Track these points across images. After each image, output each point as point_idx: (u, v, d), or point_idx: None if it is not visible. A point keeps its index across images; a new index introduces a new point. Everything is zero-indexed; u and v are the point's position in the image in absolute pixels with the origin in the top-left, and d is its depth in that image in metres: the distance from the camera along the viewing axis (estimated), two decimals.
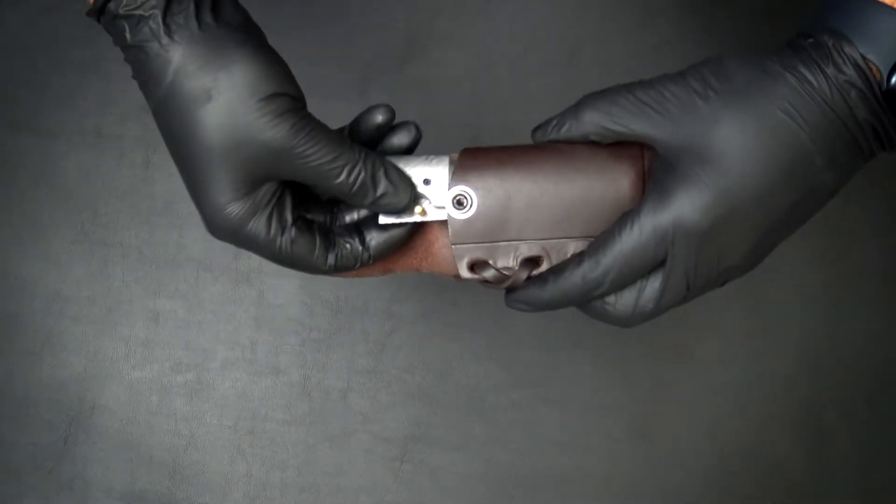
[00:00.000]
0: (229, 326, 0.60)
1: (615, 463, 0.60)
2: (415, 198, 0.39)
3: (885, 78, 0.35)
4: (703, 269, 0.37)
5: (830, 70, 0.35)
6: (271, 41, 0.38)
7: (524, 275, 0.39)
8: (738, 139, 0.35)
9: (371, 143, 0.40)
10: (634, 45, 0.63)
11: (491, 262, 0.39)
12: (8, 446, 0.59)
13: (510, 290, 0.40)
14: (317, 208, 0.41)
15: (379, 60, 0.60)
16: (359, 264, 0.40)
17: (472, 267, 0.39)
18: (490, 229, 0.39)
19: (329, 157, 0.37)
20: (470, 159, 0.40)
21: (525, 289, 0.39)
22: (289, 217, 0.38)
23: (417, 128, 0.41)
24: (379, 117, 0.40)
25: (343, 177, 0.37)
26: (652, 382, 0.60)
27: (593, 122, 0.38)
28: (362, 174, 0.38)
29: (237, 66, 0.36)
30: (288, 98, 0.37)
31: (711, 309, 0.61)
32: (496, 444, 0.59)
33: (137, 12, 0.36)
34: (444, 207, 0.39)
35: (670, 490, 0.60)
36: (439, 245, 0.40)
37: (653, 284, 0.37)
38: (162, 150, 0.61)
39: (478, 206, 0.39)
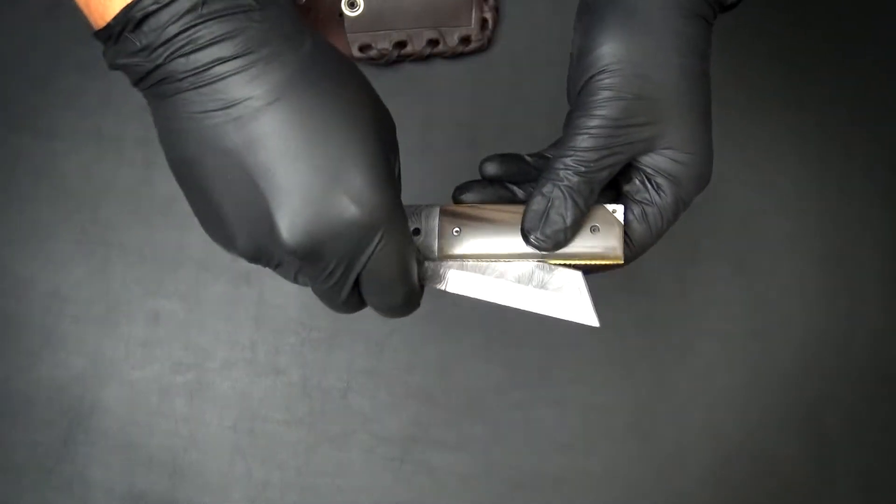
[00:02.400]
0: (229, 326, 0.60)
1: (615, 463, 0.60)
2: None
3: None
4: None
5: None
6: None
7: (395, 53, 0.58)
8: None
9: None
10: None
11: (373, 44, 0.58)
12: (8, 446, 0.59)
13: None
14: None
15: (378, 60, 0.60)
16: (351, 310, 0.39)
17: (361, 49, 0.58)
18: (373, 22, 0.57)
19: None
20: None
21: None
22: None
23: None
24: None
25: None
26: (652, 382, 0.60)
27: None
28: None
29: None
30: None
31: (712, 309, 0.61)
32: (496, 444, 0.59)
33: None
34: (436, 260, 0.39)
35: (670, 490, 0.60)
36: (336, 34, 0.58)
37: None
38: (162, 151, 0.61)
39: (364, 6, 0.57)
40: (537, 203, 0.38)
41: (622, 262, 0.39)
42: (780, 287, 0.62)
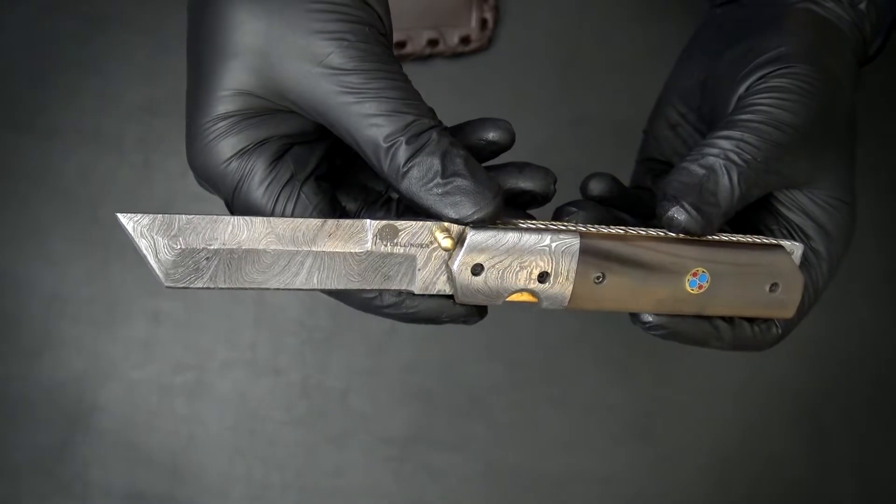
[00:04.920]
0: (229, 326, 0.60)
1: (615, 463, 0.60)
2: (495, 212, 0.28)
3: None
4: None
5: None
6: None
7: (395, 53, 0.55)
8: None
9: None
10: (634, 45, 0.63)
11: None
12: (8, 446, 0.59)
13: None
14: (350, 194, 0.32)
15: None
16: None
17: None
18: None
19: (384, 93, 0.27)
20: None
21: None
22: (288, 172, 0.29)
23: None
24: (491, 133, 0.32)
25: (392, 127, 0.27)
26: (652, 382, 0.60)
27: None
28: (429, 145, 0.28)
29: None
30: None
31: None
32: (496, 444, 0.59)
33: None
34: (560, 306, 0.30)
35: (670, 490, 0.60)
36: None
37: None
38: (162, 150, 0.61)
39: None
40: (691, 172, 0.30)
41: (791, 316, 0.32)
42: None
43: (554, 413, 0.60)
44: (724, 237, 0.31)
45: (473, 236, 0.28)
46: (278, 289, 0.28)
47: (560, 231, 0.29)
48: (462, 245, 0.28)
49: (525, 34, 0.61)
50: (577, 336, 0.60)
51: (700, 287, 0.30)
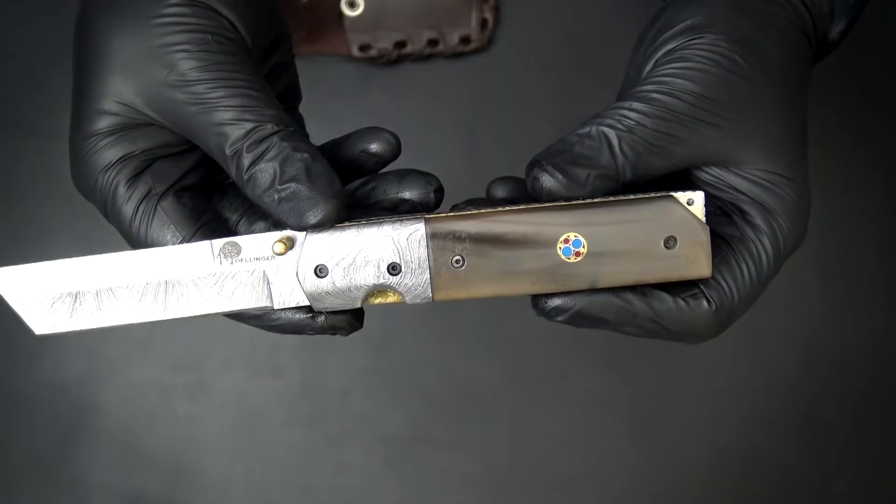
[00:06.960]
0: (229, 326, 0.60)
1: (615, 463, 0.60)
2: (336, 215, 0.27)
3: None
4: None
5: None
6: None
7: (395, 53, 0.57)
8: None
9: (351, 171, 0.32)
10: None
11: (373, 44, 0.56)
12: (8, 446, 0.59)
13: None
14: (231, 205, 0.32)
15: (378, 60, 0.60)
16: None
17: (361, 49, 0.57)
18: (373, 21, 0.56)
19: (223, 94, 0.27)
20: None
21: None
22: (145, 188, 0.29)
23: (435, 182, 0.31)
24: (371, 145, 0.30)
25: (234, 135, 0.27)
26: (652, 382, 0.60)
27: None
28: (270, 151, 0.27)
29: None
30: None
31: None
32: (496, 444, 0.59)
33: None
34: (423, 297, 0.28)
35: (670, 490, 0.60)
36: (335, 34, 0.56)
37: None
38: None
39: (363, 6, 0.55)
40: (563, 140, 0.29)
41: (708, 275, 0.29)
42: (779, 287, 0.61)
43: (553, 413, 0.60)
44: (603, 199, 0.29)
45: (309, 238, 0.28)
46: (144, 322, 0.28)
47: (403, 220, 0.28)
48: (301, 249, 0.28)
49: (525, 34, 0.61)
50: (577, 336, 0.60)
51: (577, 254, 0.28)
